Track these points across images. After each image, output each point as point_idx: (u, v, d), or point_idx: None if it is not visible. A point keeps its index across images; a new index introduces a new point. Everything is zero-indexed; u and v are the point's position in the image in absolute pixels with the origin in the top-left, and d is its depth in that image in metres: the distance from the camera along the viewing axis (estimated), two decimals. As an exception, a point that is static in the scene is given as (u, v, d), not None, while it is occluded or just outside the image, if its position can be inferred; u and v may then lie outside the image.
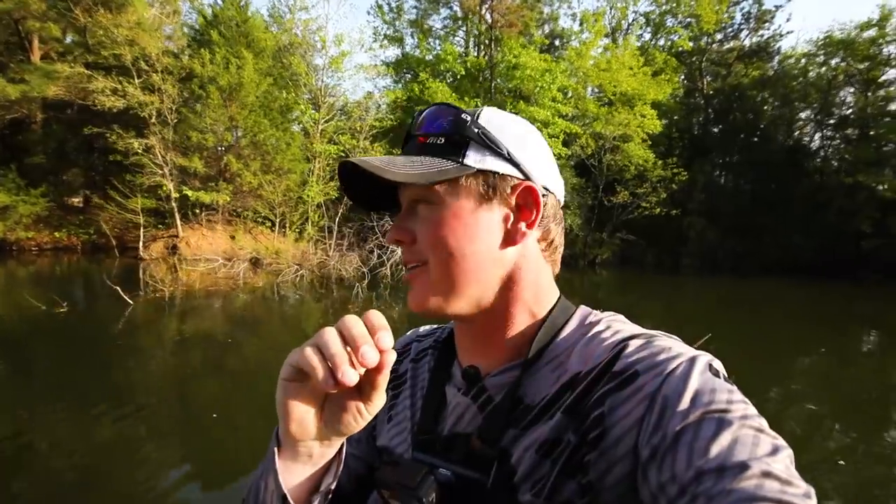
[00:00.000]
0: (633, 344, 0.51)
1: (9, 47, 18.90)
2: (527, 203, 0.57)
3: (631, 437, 0.45)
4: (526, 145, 0.58)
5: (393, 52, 24.25)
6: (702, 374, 0.46)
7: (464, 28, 23.92)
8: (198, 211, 18.72)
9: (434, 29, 24.42)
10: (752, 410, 0.43)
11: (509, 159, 0.56)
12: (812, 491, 0.37)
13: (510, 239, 0.57)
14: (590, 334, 0.56)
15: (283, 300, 10.80)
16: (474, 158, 0.55)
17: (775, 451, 0.39)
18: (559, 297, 0.62)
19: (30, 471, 3.25)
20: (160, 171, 17.14)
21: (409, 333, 0.78)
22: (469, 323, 0.60)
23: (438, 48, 21.49)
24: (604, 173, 21.04)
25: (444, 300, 0.56)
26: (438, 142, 0.56)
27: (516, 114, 0.82)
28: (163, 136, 17.54)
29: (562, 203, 0.63)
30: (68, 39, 20.19)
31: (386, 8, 23.17)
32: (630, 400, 0.46)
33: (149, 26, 18.32)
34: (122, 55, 16.64)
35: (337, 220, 16.90)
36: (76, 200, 20.76)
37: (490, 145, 0.55)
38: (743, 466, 0.37)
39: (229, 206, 18.89)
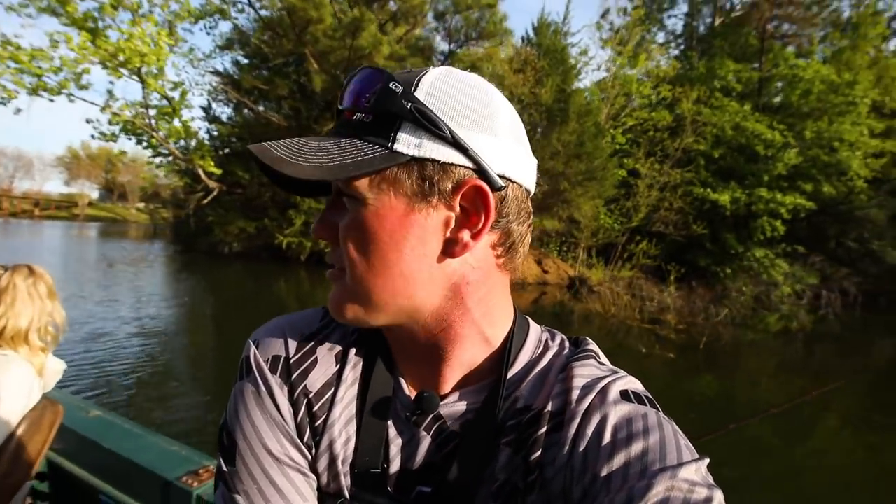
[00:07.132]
0: (571, 381, 0.48)
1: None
2: (474, 206, 0.45)
3: (561, 480, 0.44)
4: (482, 119, 0.45)
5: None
6: (615, 403, 0.45)
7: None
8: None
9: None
10: (667, 430, 0.42)
11: (454, 142, 0.43)
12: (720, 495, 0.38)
13: (449, 250, 0.46)
14: (541, 365, 0.51)
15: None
16: (407, 142, 0.43)
17: (690, 462, 0.39)
18: (515, 315, 0.53)
19: None
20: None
21: (300, 318, 0.56)
22: (408, 337, 0.50)
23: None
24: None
25: (364, 312, 0.47)
26: (366, 119, 0.44)
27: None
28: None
29: (531, 192, 0.50)
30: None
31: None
32: (559, 442, 0.45)
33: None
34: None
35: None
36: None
37: (426, 124, 0.42)
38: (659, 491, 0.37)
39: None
